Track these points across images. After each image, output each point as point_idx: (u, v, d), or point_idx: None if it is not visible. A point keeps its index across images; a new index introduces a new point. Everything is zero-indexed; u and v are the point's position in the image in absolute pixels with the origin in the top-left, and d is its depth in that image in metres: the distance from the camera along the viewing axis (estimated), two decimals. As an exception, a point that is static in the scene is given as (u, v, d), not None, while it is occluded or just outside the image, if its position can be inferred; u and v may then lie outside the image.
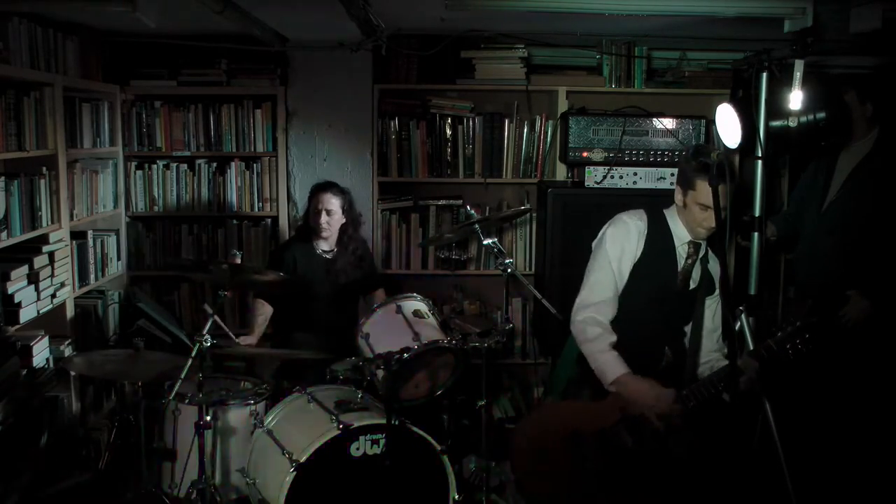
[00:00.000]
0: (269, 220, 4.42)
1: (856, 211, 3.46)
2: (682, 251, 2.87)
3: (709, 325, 2.88)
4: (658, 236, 2.85)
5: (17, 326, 3.18)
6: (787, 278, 4.49)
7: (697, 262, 2.87)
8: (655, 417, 2.62)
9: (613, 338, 2.75)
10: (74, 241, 3.68)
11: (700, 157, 2.59)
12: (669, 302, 2.85)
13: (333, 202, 3.76)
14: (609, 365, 2.70)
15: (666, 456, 2.66)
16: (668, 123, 4.07)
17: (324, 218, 3.74)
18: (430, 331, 3.21)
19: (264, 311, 3.75)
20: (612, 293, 2.83)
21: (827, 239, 3.55)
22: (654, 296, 2.84)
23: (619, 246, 2.83)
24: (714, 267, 2.88)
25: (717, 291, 2.87)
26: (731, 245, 4.01)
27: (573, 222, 4.02)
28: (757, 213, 3.17)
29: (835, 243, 3.51)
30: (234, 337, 3.45)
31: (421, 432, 2.99)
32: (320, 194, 3.77)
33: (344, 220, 3.82)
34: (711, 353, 2.88)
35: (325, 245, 3.83)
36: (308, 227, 3.83)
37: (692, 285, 2.87)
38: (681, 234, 2.85)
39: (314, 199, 3.79)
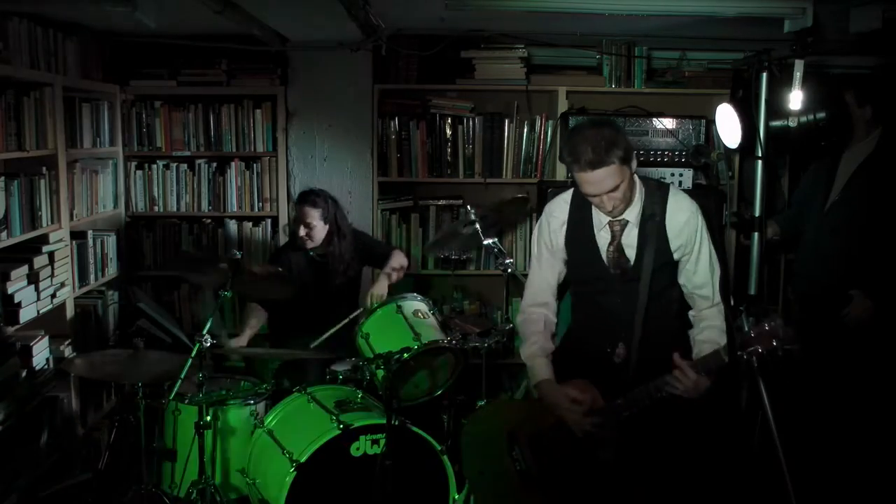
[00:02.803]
0: (269, 220, 4.42)
1: (858, 211, 3.46)
2: (603, 237, 2.59)
3: (690, 284, 2.59)
4: (577, 225, 2.63)
5: (17, 326, 3.17)
6: (787, 278, 4.50)
7: (640, 239, 2.55)
8: (573, 425, 2.55)
9: (548, 343, 2.67)
10: (74, 241, 3.67)
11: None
12: (614, 291, 2.60)
13: (313, 214, 3.67)
14: (534, 370, 2.64)
15: (593, 459, 2.56)
16: (668, 123, 4.07)
17: (302, 231, 3.68)
18: (430, 331, 3.21)
19: (257, 315, 3.73)
20: (549, 288, 2.71)
21: (829, 239, 3.55)
22: (595, 287, 2.65)
23: (544, 240, 2.69)
24: (675, 224, 2.55)
25: (688, 250, 2.56)
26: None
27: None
28: (757, 213, 3.17)
29: (837, 243, 3.51)
30: (224, 337, 3.46)
31: (421, 432, 2.98)
32: (300, 207, 3.71)
33: (327, 230, 3.73)
34: (707, 316, 2.57)
35: (318, 248, 3.81)
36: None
37: (632, 264, 2.56)
38: (601, 218, 2.58)
39: (296, 210, 3.75)
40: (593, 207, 2.58)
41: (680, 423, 2.53)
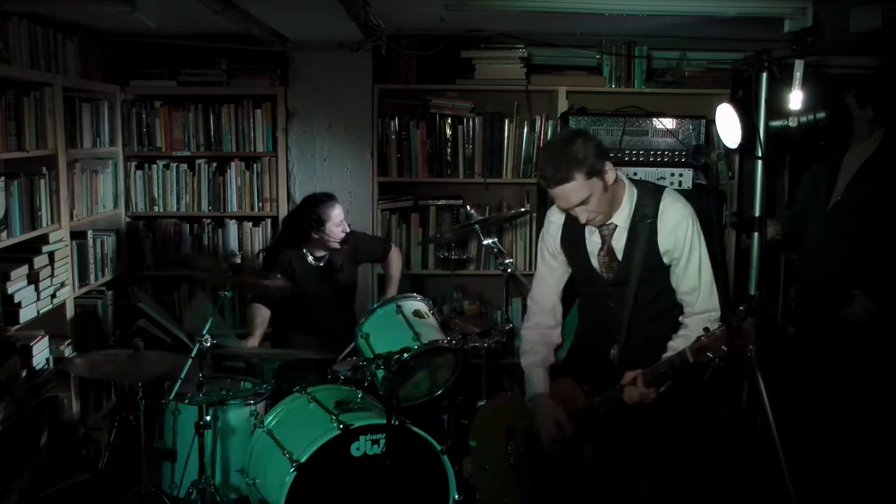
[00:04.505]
0: (269, 220, 4.41)
1: (860, 211, 3.45)
2: (594, 241, 2.58)
3: (678, 290, 2.53)
4: (570, 229, 2.62)
5: (17, 326, 3.18)
6: (787, 278, 4.50)
7: (629, 242, 2.52)
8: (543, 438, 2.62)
9: (549, 355, 2.71)
10: (74, 241, 3.67)
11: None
12: (608, 294, 2.59)
13: (341, 212, 3.67)
14: (531, 381, 2.70)
15: (578, 461, 2.60)
16: (668, 123, 4.07)
17: (340, 231, 3.65)
18: (430, 331, 3.21)
19: (261, 314, 3.71)
20: (552, 292, 2.73)
21: (831, 239, 3.54)
22: (592, 290, 2.64)
23: (544, 244, 2.71)
24: (665, 227, 2.49)
25: (676, 255, 2.50)
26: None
27: (573, 222, 4.02)
28: (757, 213, 3.17)
29: (839, 243, 3.51)
30: (233, 339, 3.46)
31: (421, 432, 2.98)
32: (331, 208, 3.63)
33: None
34: (688, 324, 2.49)
35: (319, 252, 3.77)
36: (302, 234, 3.69)
37: (621, 270, 2.54)
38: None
39: (324, 213, 3.61)
40: None
41: (664, 421, 2.52)
